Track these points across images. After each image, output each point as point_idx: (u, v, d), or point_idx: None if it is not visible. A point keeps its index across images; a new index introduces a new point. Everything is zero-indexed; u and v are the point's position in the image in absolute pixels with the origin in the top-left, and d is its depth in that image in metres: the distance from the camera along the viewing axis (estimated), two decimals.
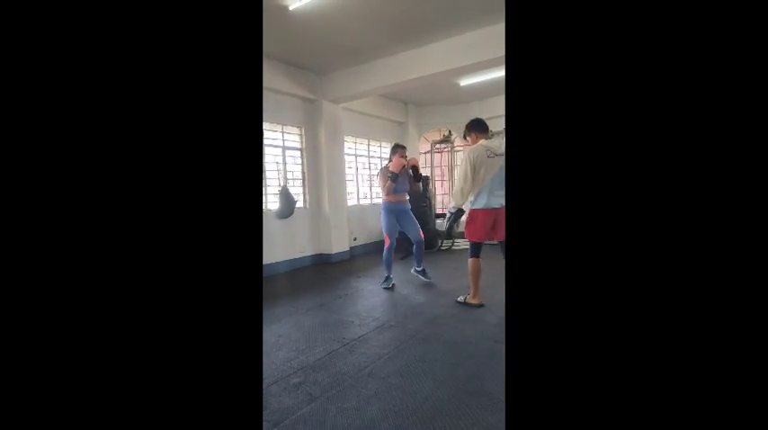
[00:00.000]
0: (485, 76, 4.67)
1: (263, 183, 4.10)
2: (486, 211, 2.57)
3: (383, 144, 6.10)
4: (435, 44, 3.76)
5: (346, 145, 5.26)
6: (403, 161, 3.20)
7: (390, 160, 3.32)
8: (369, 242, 5.57)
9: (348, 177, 5.27)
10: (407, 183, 3.34)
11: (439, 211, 5.91)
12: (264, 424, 1.43)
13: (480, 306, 2.69)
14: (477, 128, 2.73)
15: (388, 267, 3.40)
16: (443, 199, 6.33)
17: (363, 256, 5.15)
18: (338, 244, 4.89)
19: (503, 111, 5.80)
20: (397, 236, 3.40)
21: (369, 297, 3.16)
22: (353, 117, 5.39)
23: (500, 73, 4.56)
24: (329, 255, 4.79)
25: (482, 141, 2.66)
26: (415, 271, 3.53)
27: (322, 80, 4.63)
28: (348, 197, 5.22)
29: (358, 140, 5.62)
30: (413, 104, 6.24)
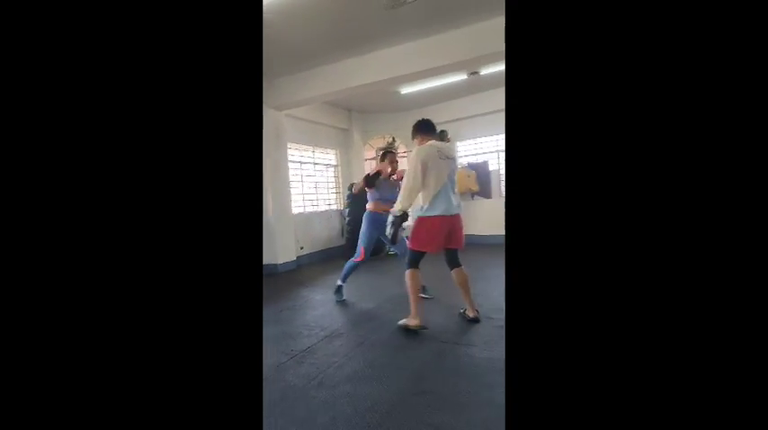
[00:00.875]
0: (424, 84, 4.84)
1: None
2: (444, 218, 2.33)
3: (328, 151, 6.10)
4: (376, 53, 3.85)
5: (291, 152, 5.19)
6: (362, 183, 2.98)
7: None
8: (314, 251, 5.51)
9: (294, 185, 5.19)
10: (393, 191, 2.99)
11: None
12: None
13: (423, 328, 2.34)
14: (424, 129, 2.47)
15: (345, 278, 3.16)
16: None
17: (310, 266, 5.09)
18: (284, 253, 4.79)
19: (444, 119, 6.02)
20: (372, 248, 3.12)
21: (317, 307, 3.13)
22: (297, 124, 5.33)
23: (438, 82, 4.75)
24: (275, 266, 4.68)
25: (431, 142, 2.41)
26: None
27: (265, 87, 4.54)
28: (294, 205, 5.14)
29: (302, 147, 5.57)
30: (356, 111, 6.30)
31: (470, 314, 2.50)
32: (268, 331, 2.56)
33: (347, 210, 5.49)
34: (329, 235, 5.82)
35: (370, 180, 2.97)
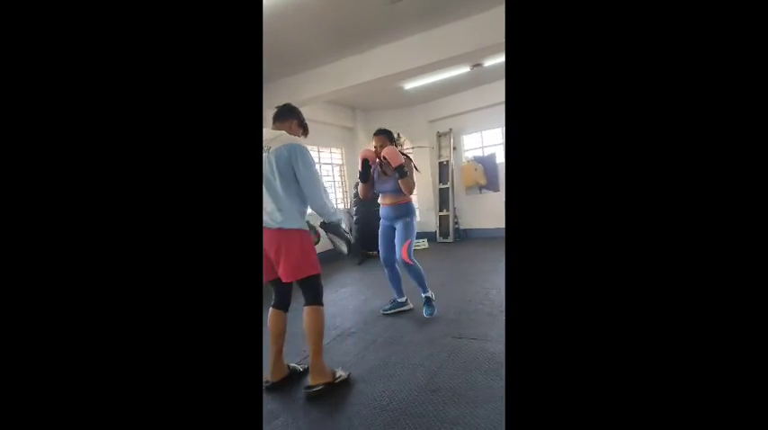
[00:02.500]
0: (427, 79, 4.79)
1: None
2: (265, 232, 1.69)
3: (333, 150, 6.09)
4: (378, 49, 3.82)
5: None
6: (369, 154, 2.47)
7: None
8: (323, 251, 5.51)
9: None
10: (387, 181, 2.54)
11: None
12: None
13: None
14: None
15: (395, 288, 2.71)
16: None
17: (328, 263, 5.09)
18: None
19: (448, 113, 5.99)
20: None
21: (327, 306, 3.11)
22: None
23: (441, 76, 4.70)
24: None
25: (274, 133, 1.85)
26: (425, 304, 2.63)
27: (266, 88, 4.54)
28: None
29: (308, 148, 5.56)
30: (360, 110, 6.27)
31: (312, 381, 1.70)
32: None
33: (355, 209, 5.49)
34: None
35: (362, 175, 2.50)
